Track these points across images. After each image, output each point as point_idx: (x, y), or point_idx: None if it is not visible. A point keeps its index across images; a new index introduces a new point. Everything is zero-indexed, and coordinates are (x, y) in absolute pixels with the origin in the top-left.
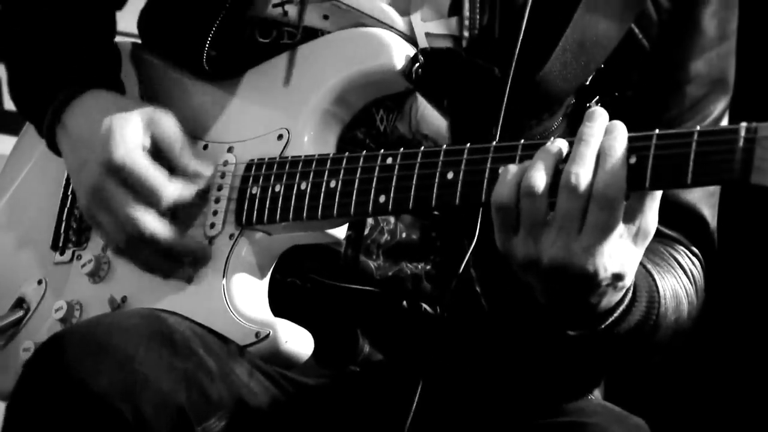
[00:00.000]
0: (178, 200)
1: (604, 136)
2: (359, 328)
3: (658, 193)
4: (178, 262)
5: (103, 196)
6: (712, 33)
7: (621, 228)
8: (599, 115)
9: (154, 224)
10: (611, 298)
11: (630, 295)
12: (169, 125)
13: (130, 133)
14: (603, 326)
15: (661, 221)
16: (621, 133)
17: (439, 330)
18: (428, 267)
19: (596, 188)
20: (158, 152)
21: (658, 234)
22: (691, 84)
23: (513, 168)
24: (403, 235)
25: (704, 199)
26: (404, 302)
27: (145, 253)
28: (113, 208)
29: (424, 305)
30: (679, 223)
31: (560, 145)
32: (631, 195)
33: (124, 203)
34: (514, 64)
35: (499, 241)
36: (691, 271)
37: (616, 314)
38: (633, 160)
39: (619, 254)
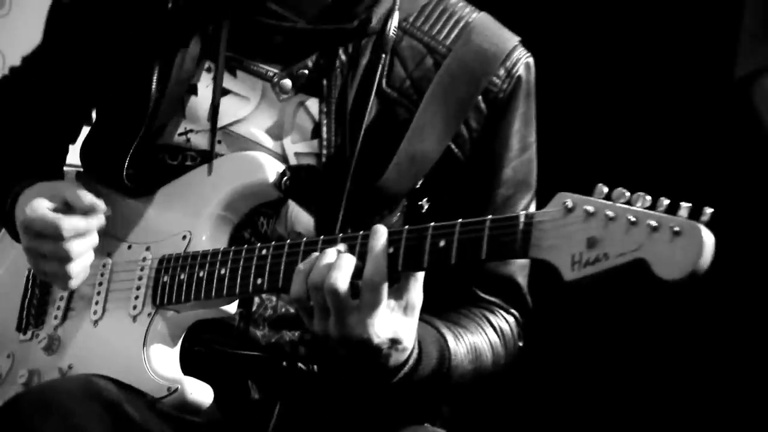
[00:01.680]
0: (76, 230)
1: (369, 237)
2: (250, 384)
3: (420, 276)
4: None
5: (31, 253)
6: (515, 147)
7: (391, 303)
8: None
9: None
10: (398, 357)
11: (416, 354)
12: (76, 189)
13: (36, 196)
14: (396, 379)
15: (484, 290)
16: (381, 234)
17: (311, 382)
18: (303, 334)
19: (365, 276)
20: (69, 209)
21: (481, 300)
22: (501, 187)
23: (300, 267)
24: (283, 309)
25: (519, 270)
26: (284, 363)
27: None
28: (41, 254)
29: (300, 364)
30: (498, 290)
31: (338, 248)
32: (402, 276)
33: (41, 248)
34: (351, 175)
35: (305, 323)
36: (501, 328)
37: (405, 369)
38: (391, 250)
39: (390, 324)
